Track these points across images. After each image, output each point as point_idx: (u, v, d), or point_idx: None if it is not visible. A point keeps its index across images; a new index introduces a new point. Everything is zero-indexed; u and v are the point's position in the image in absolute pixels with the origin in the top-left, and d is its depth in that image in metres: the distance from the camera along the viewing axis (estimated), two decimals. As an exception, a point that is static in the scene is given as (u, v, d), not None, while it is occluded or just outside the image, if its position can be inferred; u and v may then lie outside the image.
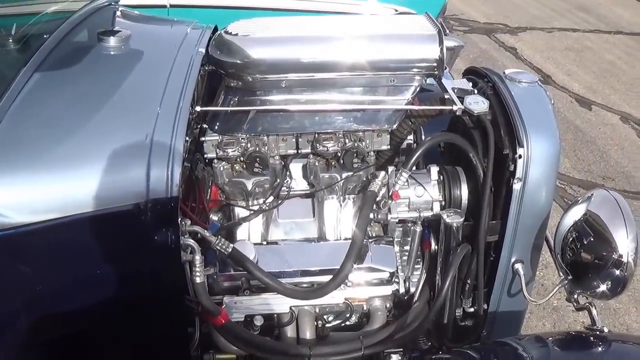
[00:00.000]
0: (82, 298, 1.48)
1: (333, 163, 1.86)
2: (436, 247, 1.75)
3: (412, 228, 1.75)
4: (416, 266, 1.80)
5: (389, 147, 1.89)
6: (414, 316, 1.72)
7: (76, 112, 1.54)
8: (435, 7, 3.73)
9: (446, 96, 1.77)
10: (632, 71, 6.32)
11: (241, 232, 1.86)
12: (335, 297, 1.71)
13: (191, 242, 1.47)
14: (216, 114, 1.81)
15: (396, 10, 3.49)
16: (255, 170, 1.80)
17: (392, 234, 1.85)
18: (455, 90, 1.78)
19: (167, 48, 1.90)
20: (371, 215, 1.69)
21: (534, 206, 1.63)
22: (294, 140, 1.85)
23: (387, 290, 1.77)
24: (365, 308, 1.78)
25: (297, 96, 1.78)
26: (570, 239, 1.56)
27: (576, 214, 1.57)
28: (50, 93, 1.58)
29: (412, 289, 1.78)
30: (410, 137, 1.95)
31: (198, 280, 1.51)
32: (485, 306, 1.77)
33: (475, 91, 1.79)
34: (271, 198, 1.87)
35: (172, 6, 3.43)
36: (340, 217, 1.89)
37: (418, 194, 1.72)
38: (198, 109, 1.69)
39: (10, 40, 1.78)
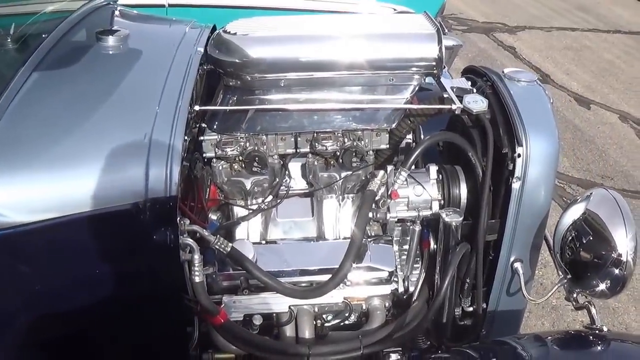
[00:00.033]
0: (81, 297, 1.48)
1: (332, 162, 1.86)
2: (435, 246, 1.75)
3: (411, 227, 1.75)
4: (415, 265, 1.80)
5: (388, 146, 1.89)
6: (413, 315, 1.72)
7: (75, 111, 1.53)
8: (434, 6, 3.74)
9: (445, 95, 1.76)
10: (630, 70, 6.32)
11: (240, 232, 1.86)
12: (334, 297, 1.71)
13: (190, 241, 1.47)
14: (215, 113, 1.81)
15: (395, 10, 3.49)
16: (254, 170, 1.80)
17: (391, 233, 1.85)
18: (454, 89, 1.78)
19: (165, 47, 1.89)
20: (370, 215, 1.69)
21: (533, 205, 1.63)
22: (292, 139, 1.85)
23: (386, 289, 1.77)
24: (364, 307, 1.78)
25: (296, 95, 1.77)
26: (570, 238, 1.56)
27: (575, 213, 1.57)
28: (49, 92, 1.58)
29: (411, 288, 1.78)
30: (409, 136, 1.96)
31: (197, 279, 1.50)
32: (484, 305, 1.77)
33: (474, 90, 1.79)
34: (270, 197, 1.87)
35: (170, 5, 3.43)
36: (339, 217, 1.89)
37: (417, 193, 1.72)
38: (197, 108, 1.69)
39: (9, 40, 1.77)
